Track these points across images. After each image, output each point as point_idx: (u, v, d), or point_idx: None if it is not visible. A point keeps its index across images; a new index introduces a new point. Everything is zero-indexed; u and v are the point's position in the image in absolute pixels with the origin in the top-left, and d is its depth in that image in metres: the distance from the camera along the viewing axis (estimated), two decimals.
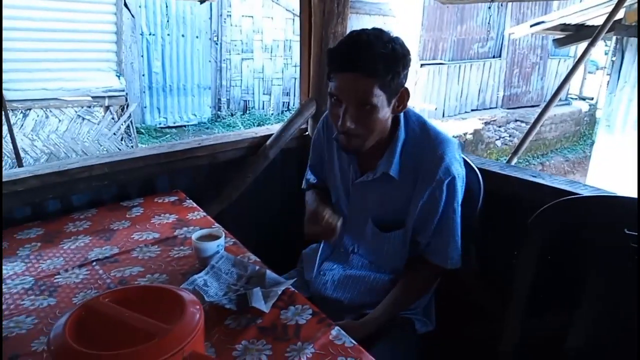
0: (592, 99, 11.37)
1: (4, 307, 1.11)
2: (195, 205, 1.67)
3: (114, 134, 5.42)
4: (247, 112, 7.98)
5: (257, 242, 1.90)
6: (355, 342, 1.00)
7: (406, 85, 1.24)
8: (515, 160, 1.69)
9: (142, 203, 1.68)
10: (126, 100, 5.41)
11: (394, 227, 1.37)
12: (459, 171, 1.30)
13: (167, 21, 6.63)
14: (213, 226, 1.51)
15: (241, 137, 2.01)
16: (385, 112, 1.21)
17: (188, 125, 7.22)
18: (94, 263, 1.30)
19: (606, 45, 12.23)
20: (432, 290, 1.49)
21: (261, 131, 2.08)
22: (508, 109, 9.00)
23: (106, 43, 5.26)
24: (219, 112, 7.57)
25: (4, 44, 4.90)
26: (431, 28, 7.69)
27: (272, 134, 2.03)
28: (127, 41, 6.13)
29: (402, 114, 1.31)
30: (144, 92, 6.75)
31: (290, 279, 1.21)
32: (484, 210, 1.47)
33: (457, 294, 1.58)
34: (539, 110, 8.48)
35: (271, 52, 8.07)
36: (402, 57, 1.18)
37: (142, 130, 6.50)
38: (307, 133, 2.15)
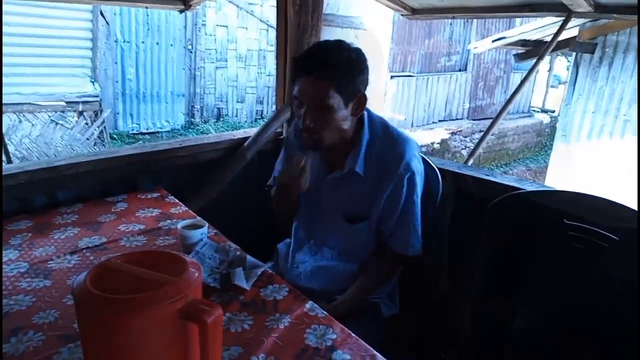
0: (554, 111, 11.89)
1: (4, 287, 1.20)
2: (177, 201, 1.78)
3: (87, 139, 5.43)
4: (221, 119, 8.07)
5: (234, 237, 2.03)
6: (326, 313, 1.14)
7: (366, 92, 1.39)
8: (471, 162, 1.87)
9: (126, 199, 1.77)
10: (100, 105, 5.44)
11: (360, 219, 1.51)
12: (418, 167, 1.45)
13: (148, 29, 6.70)
14: (196, 218, 1.62)
15: (220, 138, 2.13)
16: (343, 114, 1.35)
17: (161, 132, 7.26)
18: (85, 250, 1.39)
19: (568, 61, 12.83)
20: (395, 276, 1.63)
21: (239, 134, 2.21)
22: (473, 120, 9.35)
23: (81, 49, 5.30)
24: (192, 119, 7.64)
25: None
26: (401, 41, 7.98)
27: (249, 137, 2.16)
28: (101, 48, 6.15)
29: (366, 118, 1.47)
30: (117, 98, 6.76)
31: (269, 263, 1.34)
32: (443, 205, 1.63)
33: (419, 282, 1.73)
34: (500, 120, 8.78)
35: (245, 62, 8.22)
36: (357, 64, 1.34)
37: (115, 136, 6.51)
38: (282, 136, 2.29)
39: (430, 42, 8.51)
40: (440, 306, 1.85)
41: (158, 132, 7.22)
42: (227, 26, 7.86)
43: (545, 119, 10.32)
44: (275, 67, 2.29)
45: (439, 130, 8.19)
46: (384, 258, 1.55)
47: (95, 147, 5.54)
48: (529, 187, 1.64)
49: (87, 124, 5.48)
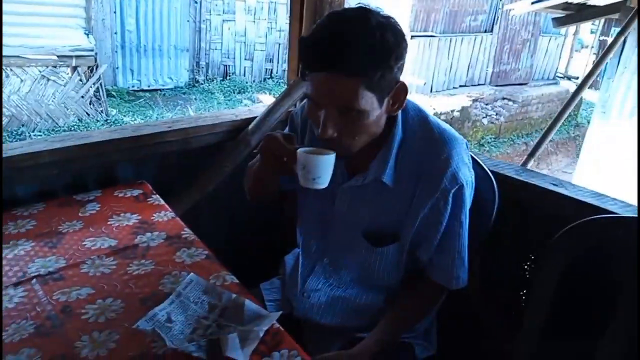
0: (577, 78, 11.29)
1: None
2: (162, 202, 1.44)
3: (82, 97, 5.04)
4: (227, 77, 7.59)
5: (233, 242, 1.70)
6: None
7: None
8: (531, 163, 1.50)
9: (99, 197, 1.43)
10: (95, 60, 5.01)
11: (387, 240, 1.17)
12: (468, 177, 1.10)
13: None
14: (183, 231, 1.28)
15: (219, 119, 1.75)
16: (377, 115, 1.00)
17: (164, 89, 6.82)
18: (34, 280, 1.06)
19: (593, 24, 12.08)
20: (434, 311, 1.30)
21: (242, 113, 1.83)
22: (496, 85, 8.82)
23: None
24: (197, 77, 7.18)
25: None
26: None
27: (255, 117, 1.79)
28: None
29: (400, 110, 1.08)
30: (116, 51, 6.30)
31: (275, 312, 1.00)
32: (497, 221, 1.28)
33: (459, 313, 1.41)
34: (529, 90, 8.27)
35: (254, 15, 7.63)
36: (396, 47, 0.94)
37: (114, 93, 6.09)
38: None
39: (455, 0, 7.89)
40: (484, 342, 1.53)
41: (160, 90, 6.79)
42: None
43: (571, 87, 9.76)
44: (288, 30, 1.88)
45: (460, 97, 7.70)
46: (421, 290, 1.22)
47: (91, 105, 5.16)
48: (612, 205, 1.28)
49: (81, 80, 5.07)
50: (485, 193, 1.27)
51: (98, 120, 5.04)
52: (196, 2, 6.86)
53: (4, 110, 4.63)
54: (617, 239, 1.11)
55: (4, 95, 4.67)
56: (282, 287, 1.41)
